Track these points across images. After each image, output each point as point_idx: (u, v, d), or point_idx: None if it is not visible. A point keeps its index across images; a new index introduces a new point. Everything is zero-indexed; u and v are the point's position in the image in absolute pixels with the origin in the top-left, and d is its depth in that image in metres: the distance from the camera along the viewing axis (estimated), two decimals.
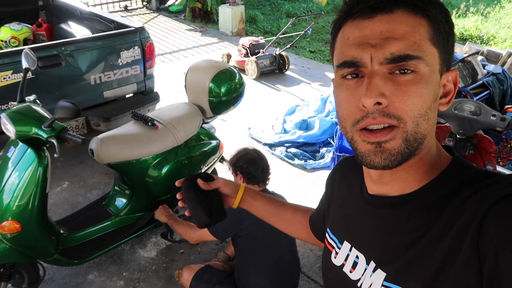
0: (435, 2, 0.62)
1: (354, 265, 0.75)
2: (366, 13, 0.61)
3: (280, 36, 5.69)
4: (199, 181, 1.02)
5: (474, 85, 4.01)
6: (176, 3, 7.88)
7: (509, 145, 2.39)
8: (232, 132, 4.11)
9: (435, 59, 0.61)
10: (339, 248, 0.80)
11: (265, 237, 2.01)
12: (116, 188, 2.50)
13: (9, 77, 2.66)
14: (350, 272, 0.75)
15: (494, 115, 2.23)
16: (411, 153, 0.62)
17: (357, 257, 0.75)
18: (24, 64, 2.12)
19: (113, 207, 2.45)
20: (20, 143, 1.94)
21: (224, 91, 2.53)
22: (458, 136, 2.35)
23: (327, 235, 0.87)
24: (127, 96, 3.45)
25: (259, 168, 2.17)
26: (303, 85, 5.44)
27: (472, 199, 0.58)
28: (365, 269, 0.72)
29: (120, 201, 2.45)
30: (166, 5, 8.32)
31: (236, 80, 2.62)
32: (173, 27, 7.63)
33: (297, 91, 5.24)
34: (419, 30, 0.59)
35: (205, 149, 2.64)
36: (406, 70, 0.59)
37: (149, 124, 2.34)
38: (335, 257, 0.81)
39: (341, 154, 3.25)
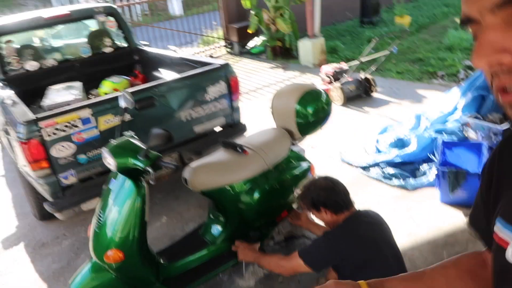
0: None
1: None
2: None
3: (363, 61, 5.49)
4: None
5: None
6: (257, 44, 8.18)
7: None
8: (323, 158, 3.98)
9: None
10: None
11: (369, 258, 1.85)
12: (211, 216, 2.51)
13: (111, 120, 2.89)
14: None
15: None
16: None
17: None
18: (123, 105, 2.30)
19: (209, 236, 2.45)
20: (120, 175, 2.05)
21: (311, 112, 2.47)
22: None
23: (496, 228, 0.67)
24: (216, 129, 3.55)
25: (341, 193, 2.01)
26: (393, 105, 5.17)
27: None
28: None
29: (216, 229, 2.44)
30: (247, 48, 8.66)
31: (323, 100, 2.55)
32: (256, 67, 7.88)
33: (387, 112, 4.98)
34: None
35: (296, 172, 2.56)
36: None
37: (239, 150, 2.34)
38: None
39: (446, 169, 2.94)
